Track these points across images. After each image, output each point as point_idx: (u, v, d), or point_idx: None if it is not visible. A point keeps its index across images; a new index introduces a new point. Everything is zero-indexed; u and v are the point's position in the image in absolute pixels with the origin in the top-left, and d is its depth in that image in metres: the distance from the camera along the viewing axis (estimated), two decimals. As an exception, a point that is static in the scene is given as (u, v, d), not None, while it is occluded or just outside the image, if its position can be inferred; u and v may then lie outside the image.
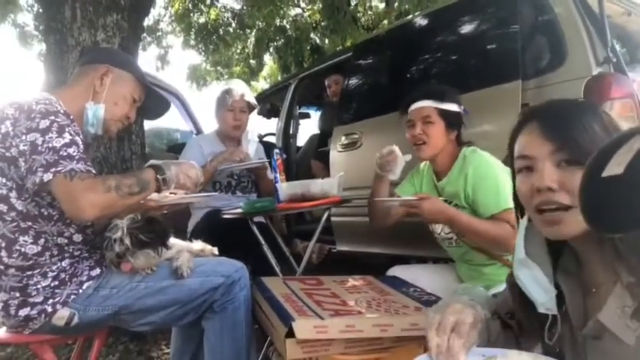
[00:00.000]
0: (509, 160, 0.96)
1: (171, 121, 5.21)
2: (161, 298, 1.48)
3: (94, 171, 1.38)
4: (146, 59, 10.01)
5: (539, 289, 0.90)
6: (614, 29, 2.13)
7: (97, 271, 1.46)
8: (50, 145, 1.31)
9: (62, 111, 1.41)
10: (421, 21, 3.10)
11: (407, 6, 7.24)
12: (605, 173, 0.57)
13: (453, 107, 1.83)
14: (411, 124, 1.87)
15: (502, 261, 1.71)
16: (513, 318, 1.03)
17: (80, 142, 1.40)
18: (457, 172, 1.80)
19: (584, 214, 0.62)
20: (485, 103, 2.28)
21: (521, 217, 0.97)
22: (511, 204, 1.64)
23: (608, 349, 0.79)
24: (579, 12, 2.10)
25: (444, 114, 1.82)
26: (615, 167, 0.56)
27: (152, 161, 1.56)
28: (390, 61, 3.24)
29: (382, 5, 8.81)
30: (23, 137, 1.32)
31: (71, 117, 1.43)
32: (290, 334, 1.22)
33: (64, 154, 1.32)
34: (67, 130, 1.36)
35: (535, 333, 0.96)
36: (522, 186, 0.88)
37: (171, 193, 1.68)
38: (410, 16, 3.98)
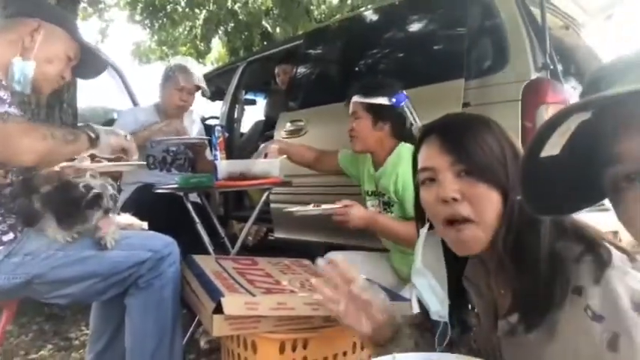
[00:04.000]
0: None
1: (108, 99, 4.99)
2: (80, 269, 1.38)
3: (26, 117, 1.28)
4: (86, 30, 9.42)
5: (434, 297, 0.94)
6: (553, 40, 2.23)
7: (10, 235, 1.33)
8: None
9: None
10: (372, 15, 3.13)
11: (360, 1, 7.29)
12: (544, 153, 0.57)
13: (380, 101, 1.85)
14: (350, 118, 1.91)
15: None
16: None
17: (7, 88, 1.29)
18: (391, 167, 1.83)
19: (523, 195, 0.62)
20: (428, 99, 2.31)
21: (421, 226, 1.00)
22: None
23: (521, 341, 0.80)
24: (523, 19, 2.19)
25: (370, 108, 1.85)
26: (553, 147, 0.56)
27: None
28: (340, 52, 3.25)
29: (336, 0, 8.82)
30: None
31: None
32: (218, 310, 1.18)
33: None
34: None
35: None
36: (427, 196, 0.91)
37: (96, 160, 1.59)
38: (362, 9, 4.01)
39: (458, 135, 0.88)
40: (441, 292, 0.93)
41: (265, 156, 2.11)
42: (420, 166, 0.93)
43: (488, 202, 0.83)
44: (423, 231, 0.98)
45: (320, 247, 2.70)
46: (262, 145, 2.21)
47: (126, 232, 1.52)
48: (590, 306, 0.68)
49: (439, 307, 0.93)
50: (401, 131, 1.88)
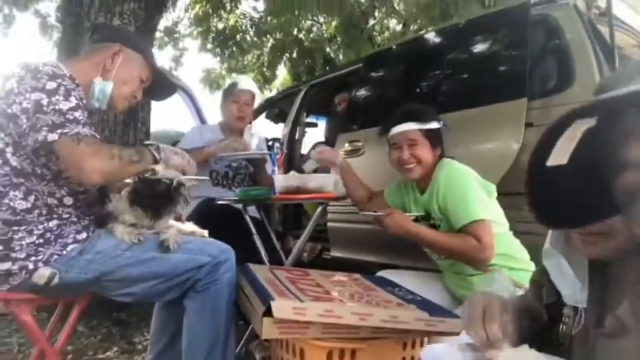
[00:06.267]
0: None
1: (180, 123, 5.26)
2: (144, 270, 1.48)
3: (98, 136, 1.41)
4: (161, 59, 10.09)
5: (563, 280, 0.88)
6: (624, 59, 2.14)
7: (84, 235, 1.46)
8: (57, 107, 1.34)
9: (69, 75, 1.43)
10: (434, 37, 3.13)
11: (423, 27, 7.31)
12: (550, 162, 0.55)
13: (434, 125, 1.85)
14: (397, 147, 1.86)
15: (486, 271, 1.69)
16: None
17: (85, 108, 1.42)
18: (432, 185, 1.81)
19: (531, 207, 0.59)
20: (489, 119, 2.29)
21: None
22: (482, 215, 1.65)
23: (621, 347, 0.73)
24: (590, 38, 2.13)
25: (428, 134, 1.83)
26: (559, 156, 0.54)
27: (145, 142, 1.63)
28: (400, 75, 3.26)
29: (399, 27, 8.89)
30: (27, 95, 1.34)
31: (77, 82, 1.45)
32: (268, 314, 1.21)
33: (71, 117, 1.35)
34: (72, 94, 1.39)
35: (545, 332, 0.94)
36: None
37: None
38: (422, 32, 4.03)
39: None
40: (571, 274, 0.85)
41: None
42: None
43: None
44: None
45: (374, 267, 2.69)
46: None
47: (187, 237, 1.61)
48: None
49: (570, 291, 0.86)
50: (444, 153, 1.89)
